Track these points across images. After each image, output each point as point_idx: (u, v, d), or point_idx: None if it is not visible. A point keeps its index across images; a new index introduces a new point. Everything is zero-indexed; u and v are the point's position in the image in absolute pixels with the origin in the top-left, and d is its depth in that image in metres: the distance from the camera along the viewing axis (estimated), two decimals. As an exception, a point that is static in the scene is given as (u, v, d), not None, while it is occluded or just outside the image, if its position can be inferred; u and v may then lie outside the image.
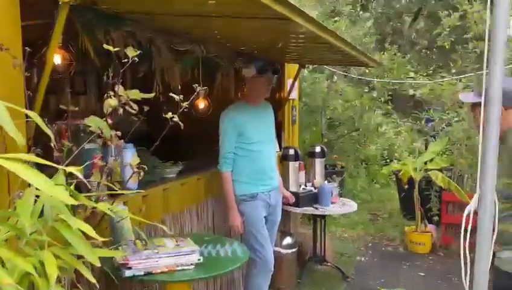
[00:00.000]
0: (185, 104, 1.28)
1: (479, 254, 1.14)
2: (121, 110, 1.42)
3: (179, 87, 2.87)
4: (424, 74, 6.38)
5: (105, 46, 1.40)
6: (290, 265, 3.96)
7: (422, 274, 4.45)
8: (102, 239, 1.14)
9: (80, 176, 0.98)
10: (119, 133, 1.41)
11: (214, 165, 3.08)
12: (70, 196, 1.20)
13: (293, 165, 3.97)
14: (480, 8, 4.88)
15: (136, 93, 1.38)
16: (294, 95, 4.60)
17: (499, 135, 2.07)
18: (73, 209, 1.36)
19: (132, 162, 1.38)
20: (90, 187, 1.13)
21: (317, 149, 4.29)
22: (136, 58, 1.43)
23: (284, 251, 3.89)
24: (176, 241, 2.04)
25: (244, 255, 2.10)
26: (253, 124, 3.01)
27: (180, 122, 1.26)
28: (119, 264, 1.83)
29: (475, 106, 2.06)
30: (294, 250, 3.98)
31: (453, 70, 5.47)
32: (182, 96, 1.30)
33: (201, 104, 3.72)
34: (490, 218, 1.12)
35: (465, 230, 1.27)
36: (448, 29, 4.94)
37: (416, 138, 9.11)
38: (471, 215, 1.27)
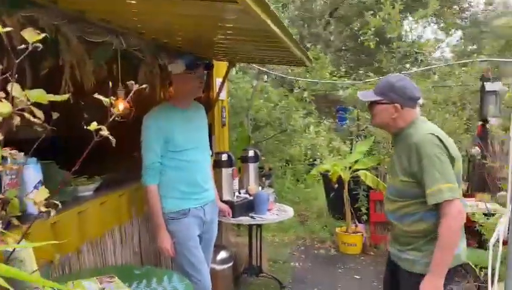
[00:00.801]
0: (116, 111, 0.88)
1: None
2: (17, 119, 0.97)
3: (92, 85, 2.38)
4: (339, 75, 6.43)
5: (-12, 24, 0.94)
6: (226, 282, 3.63)
7: (358, 277, 4.39)
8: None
9: None
10: (15, 152, 0.96)
11: (138, 177, 2.63)
12: None
13: (226, 172, 3.62)
14: (401, 9, 4.98)
15: (40, 96, 0.94)
16: (224, 95, 4.27)
17: (396, 132, 2.02)
18: None
19: (37, 198, 0.94)
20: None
21: (251, 153, 3.99)
22: (38, 45, 0.99)
23: (218, 267, 3.55)
24: (100, 282, 1.60)
25: (188, 292, 1.72)
26: (182, 128, 2.59)
27: (112, 138, 0.86)
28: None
29: (373, 104, 2.01)
30: (229, 265, 3.65)
31: (360, 71, 5.55)
32: (113, 98, 0.90)
33: (121, 105, 3.20)
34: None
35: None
36: (373, 28, 4.97)
37: (334, 138, 9.32)
38: (501, 241, 1.05)
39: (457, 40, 11.93)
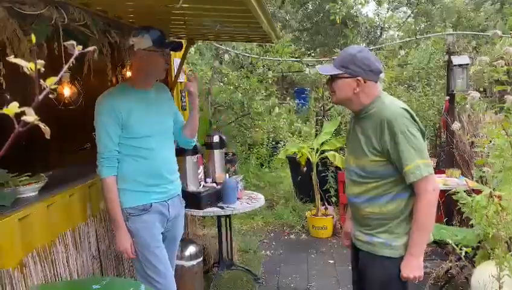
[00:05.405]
0: (49, 84, 0.57)
1: None
2: None
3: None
4: (298, 54, 6.23)
5: None
6: (196, 279, 3.35)
7: (332, 261, 4.26)
8: None
9: None
10: None
11: (92, 171, 2.29)
12: None
13: (191, 160, 3.32)
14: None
15: None
16: (183, 77, 3.92)
17: (359, 109, 1.86)
18: None
19: None
20: None
21: (216, 138, 3.69)
22: None
23: (187, 264, 3.27)
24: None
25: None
26: (142, 112, 2.23)
27: (43, 126, 0.56)
28: None
29: (333, 79, 1.87)
30: (199, 260, 3.37)
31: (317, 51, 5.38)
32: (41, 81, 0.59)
33: (67, 90, 2.80)
34: None
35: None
36: (341, 2, 4.75)
37: (295, 119, 9.19)
38: None
39: (412, 18, 12.04)
